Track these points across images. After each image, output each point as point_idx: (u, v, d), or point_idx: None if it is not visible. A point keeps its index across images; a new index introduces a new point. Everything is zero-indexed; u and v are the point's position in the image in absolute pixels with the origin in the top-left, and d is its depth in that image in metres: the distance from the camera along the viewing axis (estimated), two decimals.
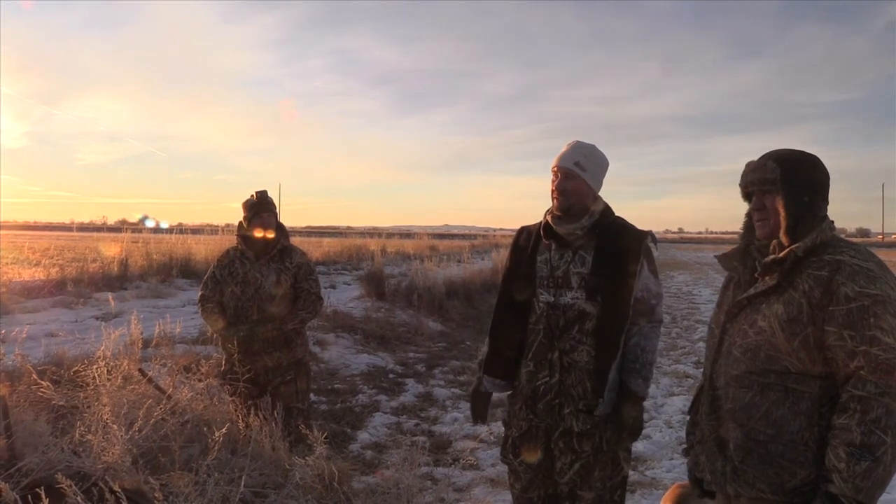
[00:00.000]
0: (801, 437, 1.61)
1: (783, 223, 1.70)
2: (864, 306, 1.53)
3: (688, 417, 1.96)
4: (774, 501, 1.65)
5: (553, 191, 2.30)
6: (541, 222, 2.38)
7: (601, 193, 2.37)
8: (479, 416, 2.47)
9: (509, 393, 2.44)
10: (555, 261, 2.29)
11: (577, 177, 2.27)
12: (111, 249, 12.61)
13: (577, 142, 2.35)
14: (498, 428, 4.96)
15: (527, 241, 2.41)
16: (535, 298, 2.31)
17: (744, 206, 1.85)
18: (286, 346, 3.67)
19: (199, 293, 3.76)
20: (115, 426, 2.68)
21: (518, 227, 2.52)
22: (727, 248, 1.91)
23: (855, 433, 1.49)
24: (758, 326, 1.68)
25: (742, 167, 1.82)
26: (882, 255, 1.94)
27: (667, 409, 5.66)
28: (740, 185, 1.82)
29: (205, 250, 12.94)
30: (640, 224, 2.36)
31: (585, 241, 2.28)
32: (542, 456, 2.30)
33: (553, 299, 2.27)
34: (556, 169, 2.31)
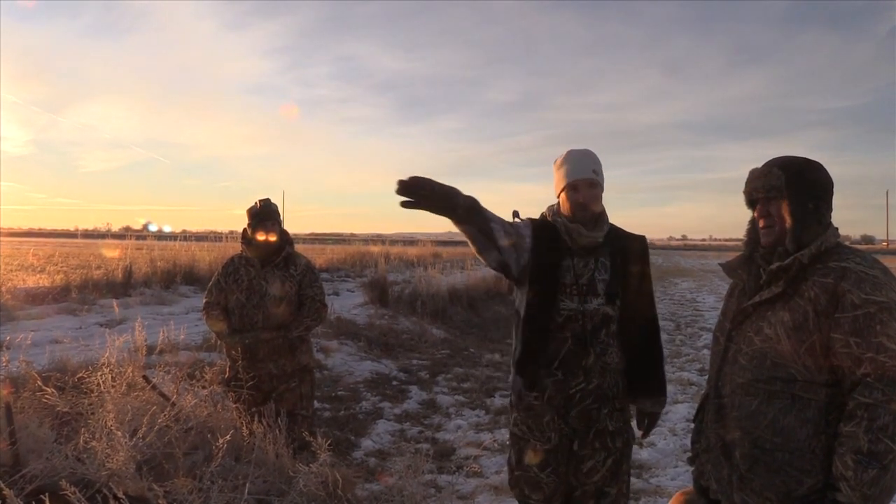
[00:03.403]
0: (808, 445, 1.61)
1: (788, 230, 1.69)
2: (870, 313, 1.53)
3: (692, 425, 1.95)
4: None
5: (579, 203, 2.24)
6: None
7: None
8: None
9: (525, 406, 2.32)
10: (578, 268, 2.27)
11: (598, 185, 2.27)
12: (115, 256, 12.62)
13: (581, 150, 2.31)
14: (501, 435, 4.95)
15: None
16: (556, 306, 2.26)
17: (747, 214, 1.85)
18: (290, 353, 3.67)
19: (204, 300, 3.77)
20: (119, 433, 2.68)
21: None
22: (731, 256, 1.91)
23: (862, 441, 1.49)
24: (763, 334, 1.68)
25: (746, 174, 1.82)
26: (887, 261, 1.94)
27: (671, 416, 5.63)
28: (744, 192, 1.82)
29: (209, 257, 12.96)
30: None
31: (603, 247, 2.30)
32: (566, 462, 2.30)
33: (580, 306, 2.25)
34: (576, 181, 2.25)
